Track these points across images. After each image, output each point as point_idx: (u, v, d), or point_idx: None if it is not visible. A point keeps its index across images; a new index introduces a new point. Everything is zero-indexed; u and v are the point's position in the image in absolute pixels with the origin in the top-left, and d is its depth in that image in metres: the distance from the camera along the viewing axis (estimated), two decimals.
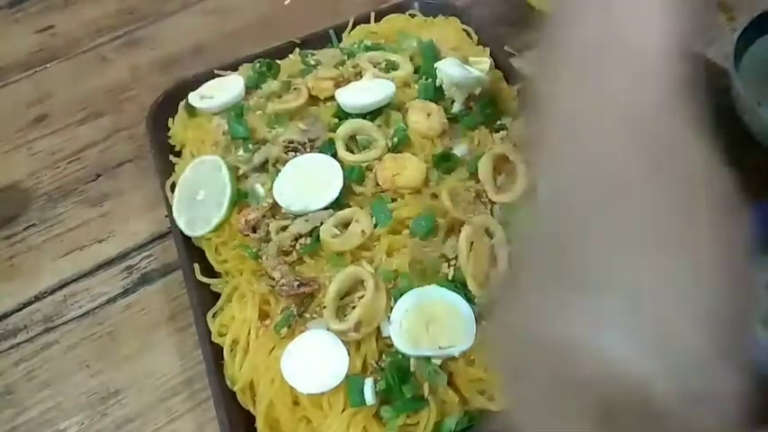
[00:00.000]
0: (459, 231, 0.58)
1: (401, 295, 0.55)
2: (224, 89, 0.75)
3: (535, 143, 0.36)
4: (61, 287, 0.70)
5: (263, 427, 0.54)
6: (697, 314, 0.29)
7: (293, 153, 0.66)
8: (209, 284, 0.63)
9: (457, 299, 0.54)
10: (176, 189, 0.69)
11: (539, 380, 0.31)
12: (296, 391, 0.53)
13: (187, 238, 0.66)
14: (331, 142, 0.66)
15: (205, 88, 0.76)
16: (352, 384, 0.52)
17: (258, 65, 0.78)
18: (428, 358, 0.52)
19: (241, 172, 0.67)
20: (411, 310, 0.54)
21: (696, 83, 0.33)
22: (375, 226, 0.60)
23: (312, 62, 0.77)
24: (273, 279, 0.59)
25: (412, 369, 0.52)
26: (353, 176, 0.63)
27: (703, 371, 0.28)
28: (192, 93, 0.76)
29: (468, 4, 0.90)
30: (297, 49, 0.81)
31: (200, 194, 0.67)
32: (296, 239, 0.61)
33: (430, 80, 0.71)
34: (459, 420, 0.52)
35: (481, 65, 0.74)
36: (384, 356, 0.54)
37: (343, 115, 0.69)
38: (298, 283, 0.56)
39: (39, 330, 0.67)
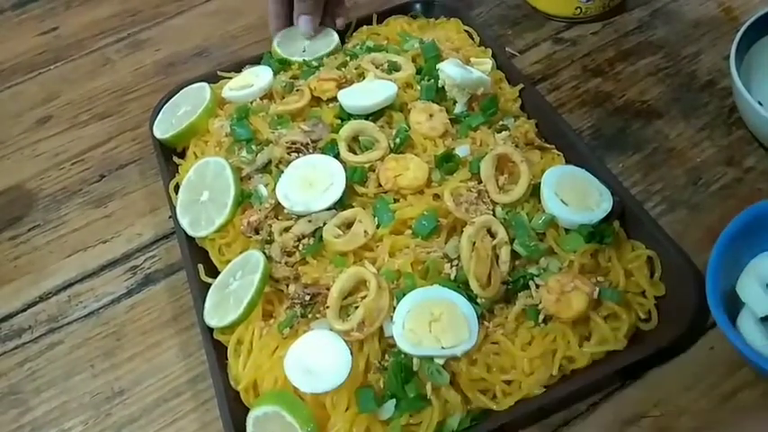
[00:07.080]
0: (462, 231, 0.58)
1: (404, 295, 0.55)
2: (258, 77, 0.76)
3: None
4: (65, 288, 0.70)
5: None
6: None
7: (296, 154, 0.66)
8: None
9: (459, 299, 0.55)
10: (180, 190, 0.69)
11: None
12: (299, 390, 0.53)
13: (191, 239, 0.66)
14: (333, 143, 0.67)
15: (239, 79, 0.77)
16: (362, 396, 0.51)
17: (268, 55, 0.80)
18: (431, 358, 0.52)
19: (244, 173, 0.67)
20: (413, 311, 0.54)
21: None
22: (378, 226, 0.60)
23: (315, 63, 0.77)
24: (277, 280, 0.59)
25: (415, 369, 0.52)
26: (356, 177, 0.64)
27: None
28: (226, 87, 0.76)
29: (469, 5, 0.90)
30: None
31: (204, 195, 0.67)
32: (299, 240, 0.61)
33: (432, 81, 0.71)
34: (461, 420, 0.52)
35: (483, 66, 0.75)
36: (387, 356, 0.54)
37: (345, 116, 0.70)
38: (309, 295, 0.56)
39: (43, 331, 0.67)
